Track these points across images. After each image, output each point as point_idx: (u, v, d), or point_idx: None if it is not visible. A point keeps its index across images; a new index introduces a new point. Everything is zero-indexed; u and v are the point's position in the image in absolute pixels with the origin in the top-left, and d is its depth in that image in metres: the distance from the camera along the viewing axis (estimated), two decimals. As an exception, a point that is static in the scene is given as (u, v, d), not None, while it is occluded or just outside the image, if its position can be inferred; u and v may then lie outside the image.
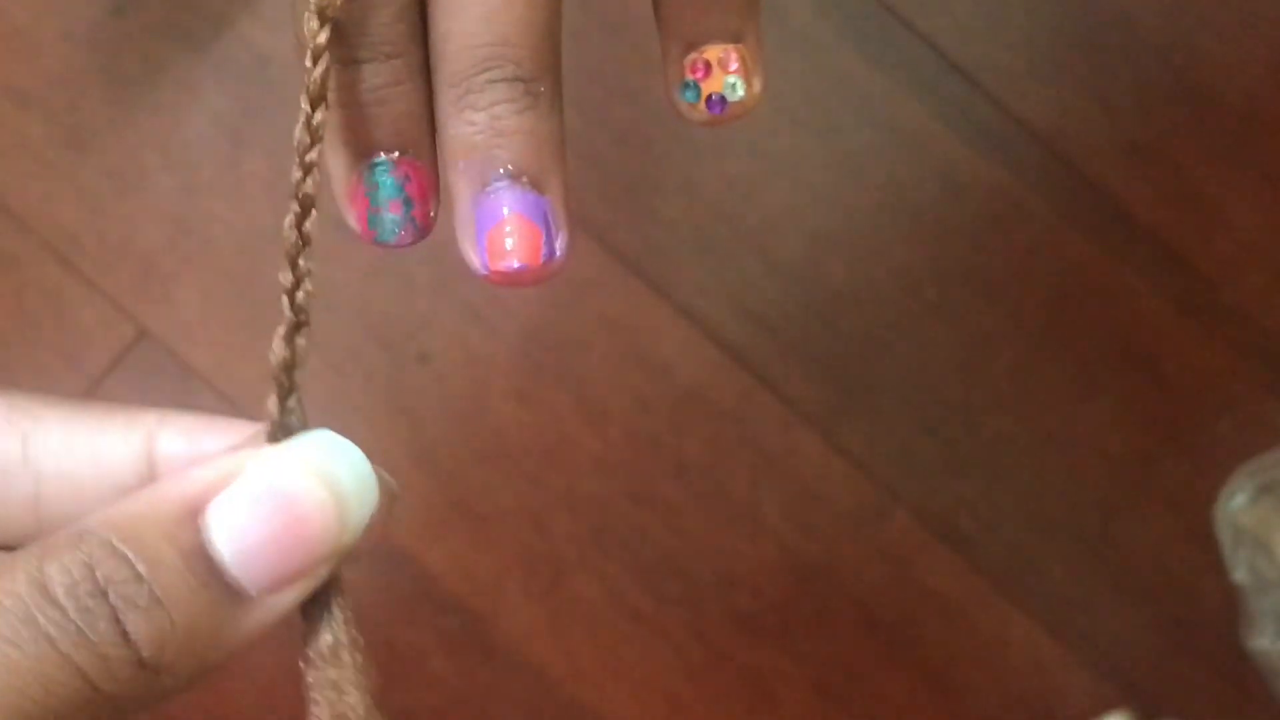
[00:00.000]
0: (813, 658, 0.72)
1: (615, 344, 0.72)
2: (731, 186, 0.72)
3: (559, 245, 0.28)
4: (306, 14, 0.26)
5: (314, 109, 0.25)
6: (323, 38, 0.25)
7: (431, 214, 0.28)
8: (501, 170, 0.27)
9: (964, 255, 0.73)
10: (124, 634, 0.21)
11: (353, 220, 0.29)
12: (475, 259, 0.28)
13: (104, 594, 0.21)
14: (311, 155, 0.25)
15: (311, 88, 0.25)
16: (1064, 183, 0.72)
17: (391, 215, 0.28)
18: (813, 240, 0.72)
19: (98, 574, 0.21)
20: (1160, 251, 0.72)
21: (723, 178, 0.72)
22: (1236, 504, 0.70)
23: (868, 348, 0.72)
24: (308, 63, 0.25)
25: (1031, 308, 0.73)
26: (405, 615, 0.71)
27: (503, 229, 0.27)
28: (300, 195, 0.25)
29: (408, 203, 0.28)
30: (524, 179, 0.27)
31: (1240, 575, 0.70)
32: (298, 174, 0.25)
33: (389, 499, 0.25)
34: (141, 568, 0.21)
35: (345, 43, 0.27)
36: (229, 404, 0.70)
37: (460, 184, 0.27)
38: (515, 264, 0.27)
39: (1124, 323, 0.73)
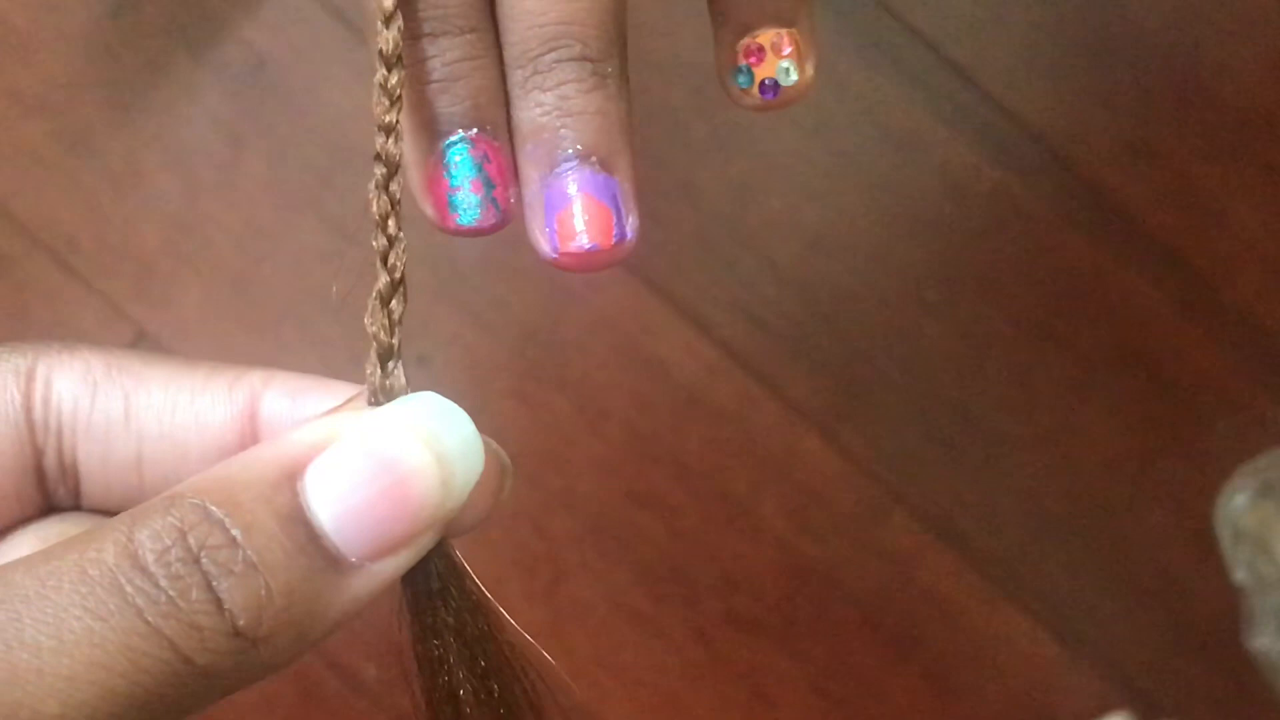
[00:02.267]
0: (812, 659, 0.69)
1: (614, 345, 0.70)
2: (731, 188, 0.70)
3: (629, 226, 0.26)
4: None
5: (389, 70, 0.24)
6: (390, 2, 0.24)
7: (512, 198, 0.26)
8: (570, 151, 0.26)
9: (963, 256, 0.71)
10: (218, 602, 0.20)
11: (430, 206, 0.27)
12: (544, 243, 0.26)
13: (196, 560, 0.20)
14: (390, 116, 0.24)
15: (386, 48, 0.24)
16: (1063, 183, 0.70)
17: (473, 196, 0.26)
18: (812, 241, 0.70)
19: (190, 539, 0.20)
20: (1160, 251, 0.70)
21: (723, 180, 0.69)
22: (1237, 504, 0.67)
23: (867, 349, 0.70)
24: (379, 25, 0.24)
25: (1030, 308, 0.70)
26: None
27: (572, 210, 0.26)
28: (384, 155, 0.24)
29: (488, 183, 0.26)
30: (593, 159, 0.26)
31: (1241, 575, 0.67)
32: (380, 137, 0.24)
33: (499, 471, 0.24)
34: (236, 532, 0.20)
35: (415, 16, 0.25)
36: None
37: (529, 166, 0.26)
38: (586, 244, 0.26)
39: (1123, 322, 0.70)
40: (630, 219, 0.26)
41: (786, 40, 0.28)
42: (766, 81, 0.28)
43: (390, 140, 0.24)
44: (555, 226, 0.26)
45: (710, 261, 0.69)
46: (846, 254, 0.70)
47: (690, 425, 0.69)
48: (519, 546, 0.69)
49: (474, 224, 0.27)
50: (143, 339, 0.68)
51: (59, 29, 0.68)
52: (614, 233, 0.26)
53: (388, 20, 0.25)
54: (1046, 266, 0.70)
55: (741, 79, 0.28)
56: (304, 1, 0.69)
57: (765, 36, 0.28)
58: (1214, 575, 0.69)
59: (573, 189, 0.26)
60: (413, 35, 0.26)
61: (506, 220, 0.27)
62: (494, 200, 0.27)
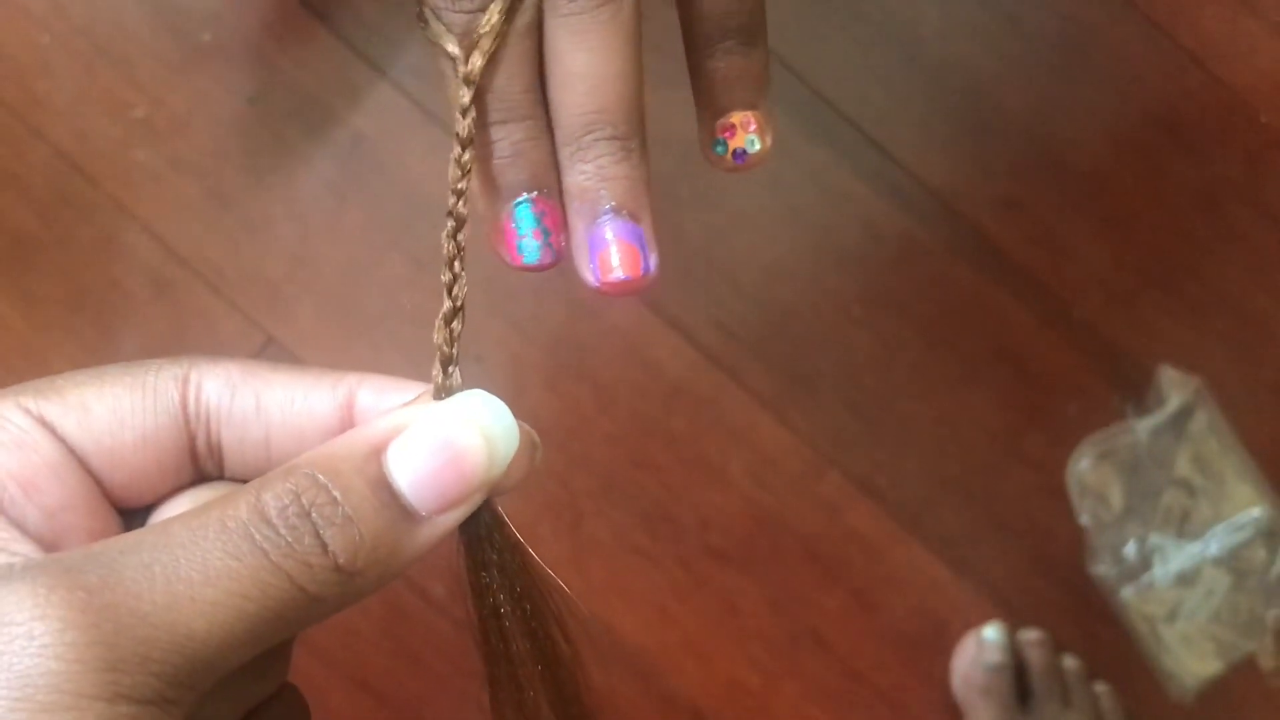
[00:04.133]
0: (767, 581, 0.74)
1: (620, 348, 0.74)
2: (708, 231, 0.74)
3: (653, 262, 0.28)
4: (455, 81, 0.26)
5: (464, 150, 0.26)
6: (467, 98, 0.26)
7: (563, 243, 0.28)
8: (607, 206, 0.27)
9: (879, 282, 0.75)
10: (324, 545, 0.21)
11: (502, 250, 0.28)
12: (590, 275, 0.27)
13: (308, 515, 0.21)
14: (462, 184, 0.26)
15: (462, 133, 0.26)
16: (953, 227, 0.75)
17: (534, 242, 0.27)
18: (766, 272, 0.75)
19: (303, 499, 0.21)
20: (1026, 279, 0.75)
21: (701, 225, 0.74)
22: (1082, 467, 0.74)
23: (808, 350, 0.75)
24: (457, 115, 0.26)
25: (928, 320, 0.75)
26: (453, 546, 0.71)
27: (610, 250, 0.27)
28: (454, 213, 0.26)
29: (546, 231, 0.27)
30: (624, 212, 0.27)
31: (1085, 519, 0.74)
32: (452, 199, 0.26)
33: (530, 446, 0.25)
34: (337, 494, 0.21)
35: (487, 107, 0.27)
36: None
37: (576, 219, 0.27)
38: (622, 275, 0.27)
39: (997, 331, 0.75)
40: (653, 256, 0.28)
41: (752, 119, 0.29)
42: (737, 150, 0.30)
43: (460, 202, 0.25)
44: (597, 264, 0.27)
45: (692, 286, 0.74)
46: (793, 280, 0.75)
47: (676, 408, 0.74)
48: (549, 497, 0.73)
49: (536, 263, 0.28)
50: (271, 343, 0.72)
51: (209, 112, 0.73)
52: (641, 267, 0.28)
53: (464, 112, 0.26)
54: (941, 290, 0.75)
55: (719, 148, 0.30)
56: (391, 93, 0.72)
57: (736, 117, 0.29)
58: (1066, 519, 0.74)
59: (609, 235, 0.27)
60: (485, 122, 0.27)
61: (560, 259, 0.28)
62: (550, 245, 0.28)
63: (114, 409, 0.23)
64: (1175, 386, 0.74)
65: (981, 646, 0.72)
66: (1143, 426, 0.74)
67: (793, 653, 0.74)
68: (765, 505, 0.74)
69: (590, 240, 0.27)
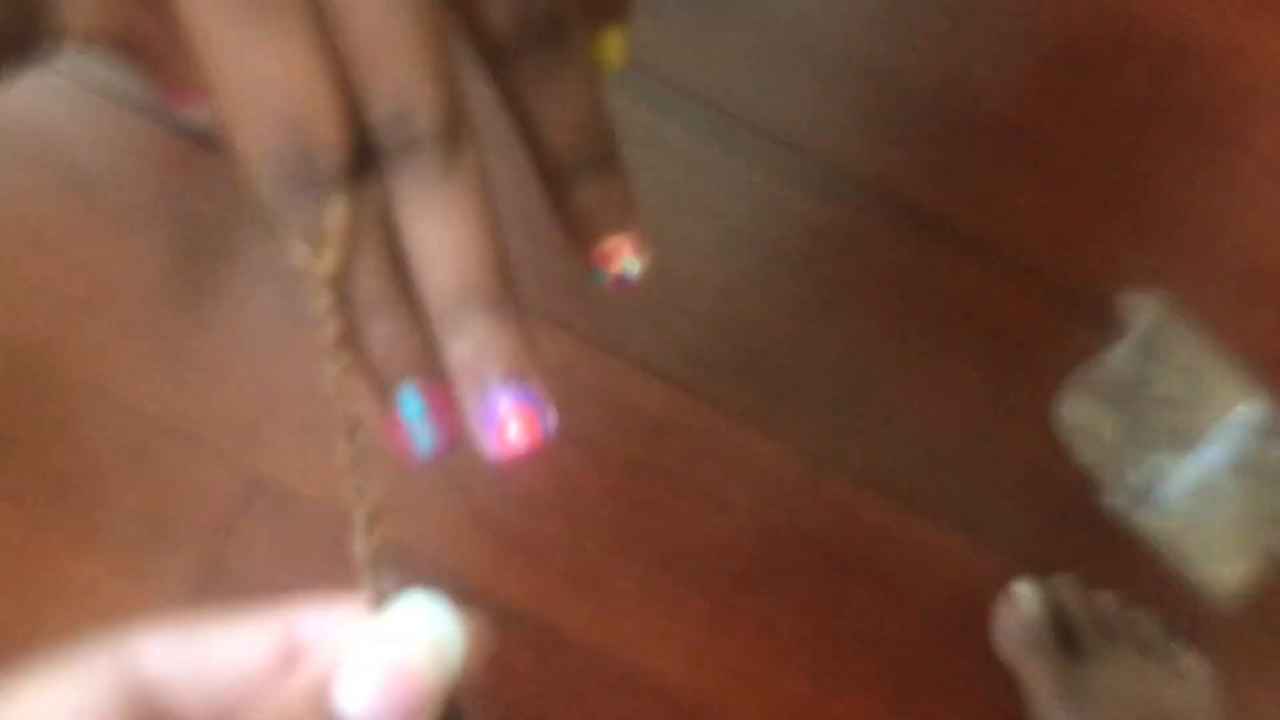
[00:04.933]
0: (795, 593, 0.74)
1: (598, 402, 0.74)
2: (653, 270, 0.73)
3: (551, 420, 0.27)
4: (313, 285, 0.25)
5: (338, 352, 0.25)
6: (331, 300, 0.25)
7: (456, 423, 0.27)
8: (493, 376, 0.26)
9: (830, 276, 0.76)
10: None
11: (395, 447, 0.27)
12: (491, 450, 0.26)
13: None
14: (344, 385, 0.24)
15: (332, 336, 0.25)
16: (888, 207, 0.75)
17: (425, 432, 0.26)
18: (719, 293, 0.75)
19: None
20: (970, 240, 0.75)
21: (647, 265, 0.75)
22: (1068, 407, 0.74)
23: (777, 359, 0.75)
24: (324, 319, 0.25)
25: (886, 302, 0.75)
26: (493, 633, 0.71)
27: (506, 422, 0.26)
28: (346, 417, 0.24)
29: (435, 419, 0.26)
30: (512, 378, 0.26)
31: (1084, 457, 0.74)
32: (340, 404, 0.24)
33: (479, 636, 0.24)
34: None
35: (352, 302, 0.25)
36: (336, 515, 0.71)
37: (465, 395, 0.26)
38: (523, 445, 0.26)
39: (955, 296, 0.75)
40: (550, 414, 0.27)
41: (625, 243, 0.29)
42: (617, 277, 0.29)
43: (348, 405, 0.24)
44: (495, 437, 0.26)
45: (650, 325, 0.74)
46: (747, 296, 0.75)
47: (666, 446, 0.74)
48: (564, 565, 0.73)
49: (431, 454, 0.26)
50: (261, 481, 0.71)
51: (142, 271, 0.72)
52: (540, 430, 0.26)
53: (330, 314, 0.24)
54: (892, 271, 0.76)
55: (599, 278, 0.29)
56: None
57: (609, 245, 0.28)
58: (1065, 462, 0.74)
59: (502, 406, 0.26)
60: (355, 318, 0.25)
61: (456, 443, 0.27)
62: (442, 431, 0.26)
63: (54, 712, 0.22)
64: (1138, 308, 0.74)
65: (1017, 604, 0.72)
66: (1117, 355, 0.74)
67: (838, 656, 0.74)
68: (773, 520, 0.74)
69: (484, 416, 0.26)
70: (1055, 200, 0.76)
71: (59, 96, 0.74)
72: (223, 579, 0.72)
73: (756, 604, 0.74)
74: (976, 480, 0.75)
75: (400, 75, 0.24)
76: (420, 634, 0.23)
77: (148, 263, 0.74)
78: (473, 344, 0.26)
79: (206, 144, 0.73)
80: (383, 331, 0.26)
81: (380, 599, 0.24)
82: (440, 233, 0.25)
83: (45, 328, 0.73)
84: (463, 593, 0.75)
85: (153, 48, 0.29)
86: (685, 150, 0.76)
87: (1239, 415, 0.74)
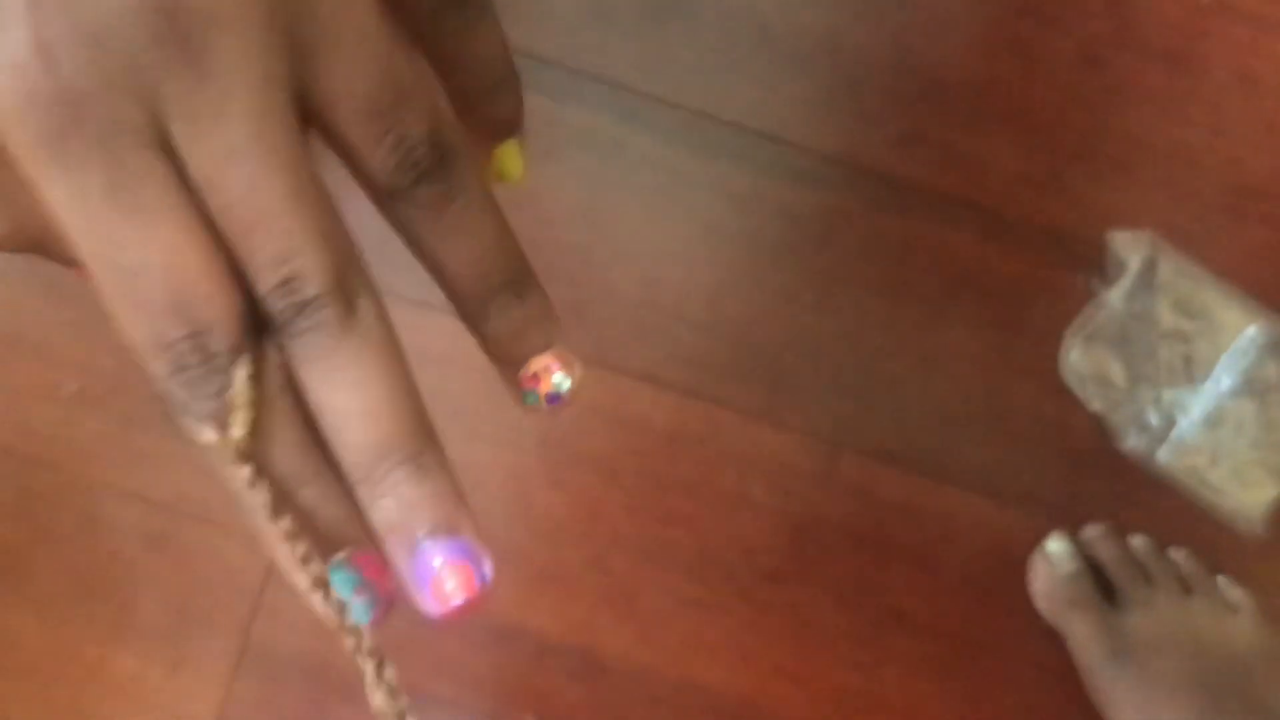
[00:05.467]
0: (827, 583, 0.73)
1: (604, 421, 0.74)
2: (639, 280, 0.74)
3: (487, 570, 0.26)
4: (228, 466, 0.24)
5: (278, 517, 0.24)
6: (249, 473, 0.24)
7: (392, 585, 0.26)
8: (422, 533, 0.25)
9: (818, 261, 0.75)
10: None
11: (330, 622, 0.26)
12: (429, 608, 0.25)
13: None
14: (301, 549, 0.24)
15: (268, 502, 0.24)
16: (865, 184, 0.75)
17: (360, 601, 0.25)
18: (710, 295, 0.75)
19: None
20: (950, 203, 0.75)
21: (629, 277, 0.74)
22: (1074, 357, 0.73)
23: (777, 351, 0.74)
24: (250, 492, 0.24)
25: (878, 278, 0.75)
26: (534, 666, 0.72)
27: (440, 578, 0.25)
28: (313, 577, 0.24)
29: (369, 587, 0.25)
30: (441, 531, 0.25)
31: (1096, 404, 0.73)
32: (301, 575, 0.24)
33: None
34: None
35: (270, 479, 0.25)
36: None
37: (395, 555, 0.25)
38: (460, 600, 0.25)
39: (946, 262, 0.75)
40: (486, 563, 0.26)
41: (551, 361, 0.28)
42: (549, 394, 0.28)
43: (310, 565, 0.24)
44: (431, 594, 0.25)
45: (644, 335, 0.74)
46: (737, 293, 0.75)
47: (679, 455, 0.74)
48: (596, 588, 0.73)
49: (369, 622, 0.26)
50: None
51: (135, 361, 0.74)
52: (476, 583, 0.25)
53: (253, 485, 0.24)
54: (879, 245, 0.75)
55: (530, 399, 0.28)
56: None
57: (535, 365, 0.28)
58: (1078, 411, 0.74)
59: (436, 562, 0.25)
60: (275, 492, 0.25)
61: (393, 604, 0.26)
62: (377, 598, 0.26)
63: None
64: (1129, 247, 0.73)
65: (1050, 561, 0.72)
66: (1114, 296, 0.73)
67: (879, 639, 0.73)
68: (796, 512, 0.74)
69: (417, 574, 0.25)
70: (1030, 151, 0.75)
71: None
72: (256, 654, 0.72)
73: (791, 598, 0.73)
74: (992, 443, 0.74)
75: (280, 242, 0.23)
76: None
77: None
78: (396, 503, 0.25)
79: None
80: (305, 506, 0.25)
81: None
82: (346, 395, 0.24)
83: (48, 432, 0.73)
84: (495, 632, 0.74)
85: (56, 246, 0.29)
86: (655, 156, 0.75)
87: (1249, 338, 0.73)
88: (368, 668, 0.24)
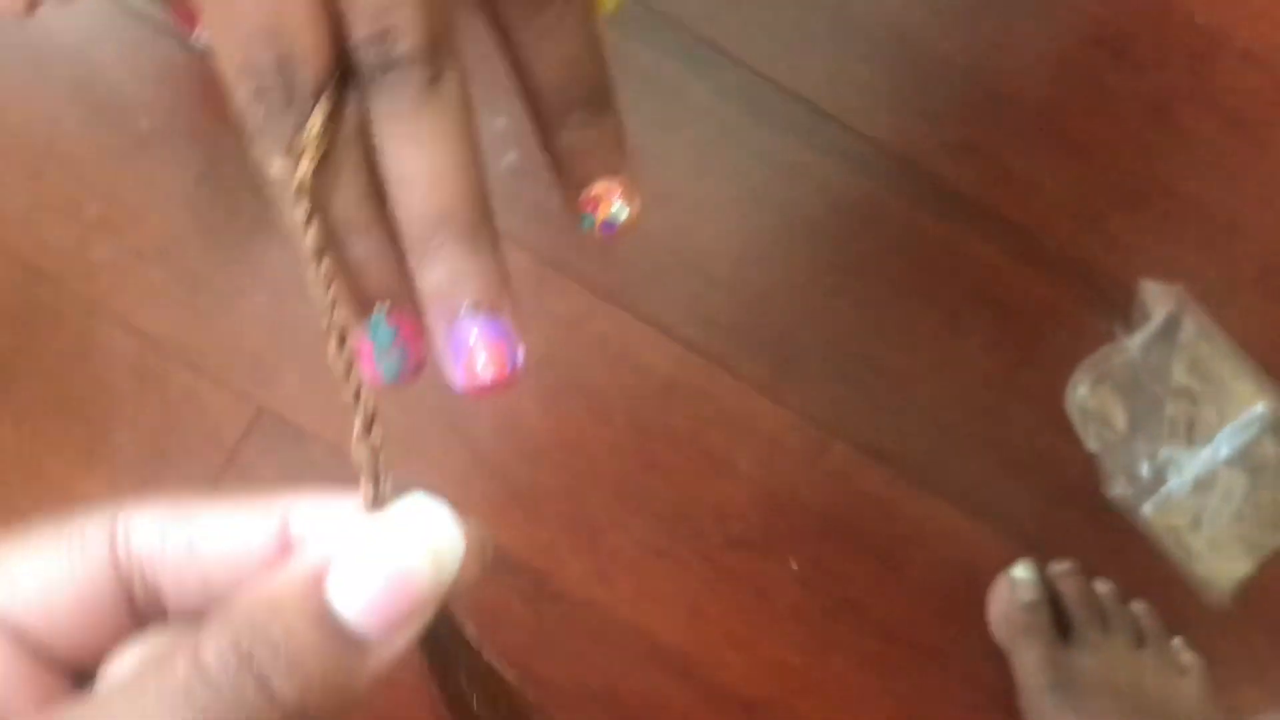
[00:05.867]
0: (790, 559, 0.73)
1: (608, 357, 0.73)
2: (672, 228, 0.74)
3: (519, 355, 0.26)
4: (289, 197, 0.24)
5: (319, 260, 0.24)
6: (306, 209, 0.24)
7: (424, 350, 0.26)
8: (464, 305, 0.25)
9: (849, 247, 0.75)
10: (270, 696, 0.20)
11: (361, 370, 0.26)
12: (457, 380, 0.26)
13: (249, 665, 0.20)
14: (329, 295, 0.24)
15: (311, 244, 0.24)
16: (912, 180, 0.74)
17: (392, 358, 0.26)
18: (737, 257, 0.74)
19: (242, 648, 0.20)
20: (991, 218, 0.74)
21: (665, 223, 0.74)
22: (1081, 393, 0.73)
23: (790, 328, 0.74)
24: (301, 228, 0.24)
25: (904, 276, 0.74)
26: (487, 580, 0.71)
27: (474, 353, 0.25)
28: (334, 327, 0.24)
29: (403, 345, 0.26)
30: (483, 309, 0.25)
31: (1093, 444, 0.73)
32: (325, 316, 0.24)
33: (479, 545, 0.23)
34: (278, 637, 0.20)
35: (326, 224, 0.25)
36: (337, 452, 0.71)
37: (435, 322, 0.26)
38: (490, 377, 0.25)
39: (974, 275, 0.74)
40: (519, 349, 0.26)
41: (615, 188, 0.28)
42: (605, 222, 0.28)
43: (334, 312, 0.24)
44: (463, 368, 0.25)
45: (666, 283, 0.74)
46: (765, 261, 0.74)
47: (672, 406, 0.73)
48: (562, 516, 0.72)
49: (396, 379, 0.26)
50: (261, 413, 0.71)
51: (162, 196, 0.72)
52: (508, 364, 0.26)
53: (306, 224, 0.24)
54: (910, 244, 0.74)
55: (586, 223, 0.28)
56: None
57: (598, 189, 0.28)
58: (1075, 448, 0.73)
59: (472, 337, 0.25)
60: (329, 240, 0.25)
61: (421, 369, 0.27)
62: (409, 357, 0.26)
63: (43, 577, 0.22)
64: (1158, 298, 0.73)
65: (1014, 586, 0.72)
66: (1134, 343, 0.73)
67: (830, 627, 0.73)
68: (776, 487, 0.73)
69: (452, 345, 0.25)
70: (1080, 183, 0.75)
71: (90, 16, 0.73)
72: (221, 506, 0.71)
73: (752, 568, 0.73)
74: (983, 460, 0.74)
75: None
76: (420, 537, 0.22)
77: (169, 189, 0.73)
78: (446, 272, 0.25)
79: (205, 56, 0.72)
80: (357, 252, 0.25)
81: (380, 501, 0.23)
82: (418, 157, 0.25)
83: (62, 249, 0.73)
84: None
85: None
86: (713, 110, 0.75)
87: (1256, 414, 0.73)
88: (357, 422, 0.24)
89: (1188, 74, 0.76)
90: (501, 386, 0.26)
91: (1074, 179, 0.75)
